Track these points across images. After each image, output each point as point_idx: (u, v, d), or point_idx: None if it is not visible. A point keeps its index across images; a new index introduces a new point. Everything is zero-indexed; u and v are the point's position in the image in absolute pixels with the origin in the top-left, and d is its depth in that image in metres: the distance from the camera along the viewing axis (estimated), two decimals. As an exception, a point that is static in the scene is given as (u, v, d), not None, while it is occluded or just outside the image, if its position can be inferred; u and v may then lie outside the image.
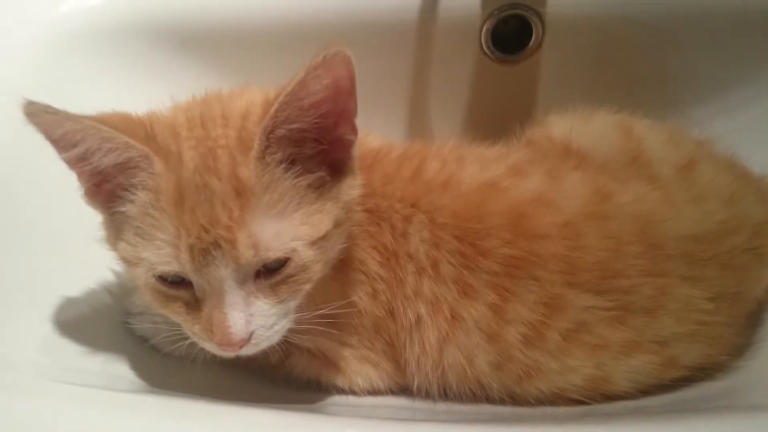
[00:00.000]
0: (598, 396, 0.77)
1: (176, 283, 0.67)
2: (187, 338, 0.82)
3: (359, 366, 0.81)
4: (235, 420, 0.65)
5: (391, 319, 0.79)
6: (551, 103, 1.03)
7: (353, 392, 0.82)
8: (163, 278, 0.67)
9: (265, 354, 0.82)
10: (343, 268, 0.77)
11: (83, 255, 0.86)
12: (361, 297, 0.78)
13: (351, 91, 0.67)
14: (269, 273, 0.67)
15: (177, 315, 0.70)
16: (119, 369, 0.78)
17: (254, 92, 0.71)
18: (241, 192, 0.64)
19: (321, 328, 0.78)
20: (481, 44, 1.12)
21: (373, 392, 0.83)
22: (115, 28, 1.06)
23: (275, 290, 0.68)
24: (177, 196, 0.64)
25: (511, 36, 1.11)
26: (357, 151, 0.72)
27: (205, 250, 0.63)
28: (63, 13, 1.02)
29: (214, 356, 0.83)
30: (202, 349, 0.82)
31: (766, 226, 0.82)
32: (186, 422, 0.63)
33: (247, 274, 0.66)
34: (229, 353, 0.69)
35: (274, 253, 0.65)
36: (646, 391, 0.78)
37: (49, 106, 0.62)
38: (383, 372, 0.82)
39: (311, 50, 0.62)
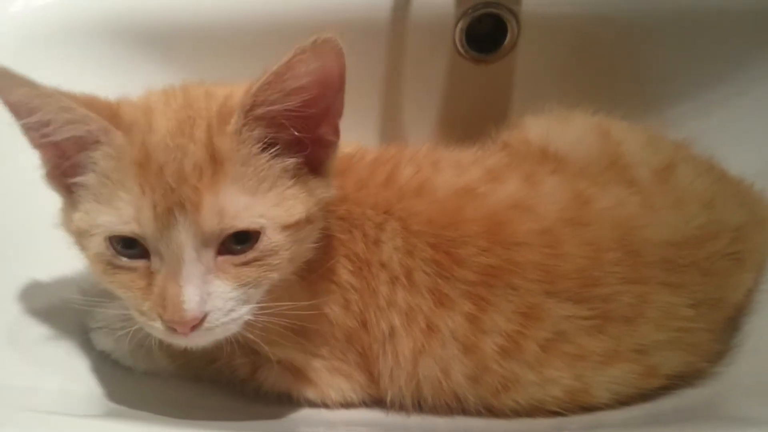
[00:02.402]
0: (576, 408, 0.75)
1: (131, 253, 0.64)
2: (150, 351, 0.79)
3: (331, 378, 0.79)
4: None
5: (364, 331, 0.76)
6: (527, 103, 1.01)
7: (325, 405, 0.79)
8: (117, 246, 0.64)
9: (233, 367, 0.79)
10: (313, 277, 0.75)
11: (42, 266, 0.83)
12: (332, 307, 0.76)
13: (339, 89, 0.66)
14: (234, 252, 0.64)
15: (127, 290, 0.65)
16: (79, 388, 0.75)
17: (239, 84, 0.69)
18: (215, 158, 0.62)
19: (290, 336, 0.76)
20: (455, 43, 1.09)
21: (346, 405, 0.80)
22: (69, 27, 1.03)
23: (238, 273, 0.64)
24: (143, 158, 0.62)
25: (485, 35, 1.10)
26: (336, 155, 0.71)
27: (168, 211, 0.61)
28: (13, 12, 0.98)
29: (180, 370, 0.80)
30: (167, 363, 0.80)
31: (745, 230, 0.81)
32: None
33: (208, 244, 0.62)
34: (179, 338, 0.64)
35: (241, 223, 0.62)
36: (624, 402, 0.76)
37: (8, 70, 0.61)
38: (356, 384, 0.79)
39: (278, 51, 0.61)
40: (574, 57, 1.12)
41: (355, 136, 0.88)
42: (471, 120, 1.09)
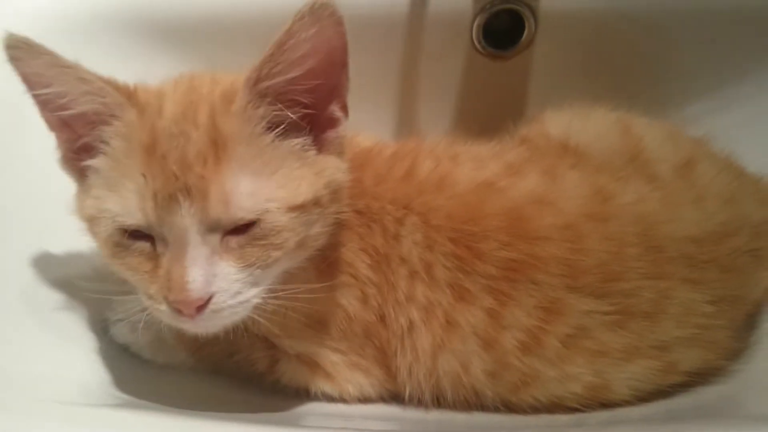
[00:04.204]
0: (595, 404, 0.75)
1: (138, 236, 0.64)
2: (169, 344, 0.80)
3: (349, 373, 0.78)
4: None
5: (382, 325, 0.76)
6: (543, 99, 1.01)
7: (343, 400, 0.79)
8: (124, 230, 0.64)
9: (252, 361, 0.79)
10: (330, 270, 0.75)
11: (60, 257, 0.84)
12: (350, 301, 0.76)
13: (343, 63, 0.66)
14: (238, 232, 0.63)
15: (134, 272, 0.65)
16: (97, 379, 0.75)
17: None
18: (217, 143, 0.62)
19: (309, 330, 0.76)
20: (472, 39, 1.09)
21: (364, 400, 0.80)
22: (85, 19, 1.03)
23: (242, 253, 0.64)
24: (149, 143, 0.62)
25: (502, 31, 1.09)
26: (346, 131, 0.70)
27: (171, 197, 0.61)
28: (30, 5, 1.00)
29: (198, 363, 0.80)
30: (185, 356, 0.80)
31: (765, 227, 0.80)
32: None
33: (213, 230, 0.62)
34: (185, 321, 0.63)
35: (246, 214, 0.62)
36: (643, 398, 0.75)
37: (29, 39, 0.62)
38: (374, 379, 0.79)
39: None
40: (591, 54, 1.11)
41: (371, 131, 0.88)
42: (487, 116, 1.08)
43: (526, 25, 1.07)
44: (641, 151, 0.83)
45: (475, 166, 0.79)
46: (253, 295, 0.65)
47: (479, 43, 1.09)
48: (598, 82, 1.11)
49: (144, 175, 0.62)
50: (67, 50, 0.63)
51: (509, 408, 0.76)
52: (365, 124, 0.82)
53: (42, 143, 0.70)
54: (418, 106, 1.15)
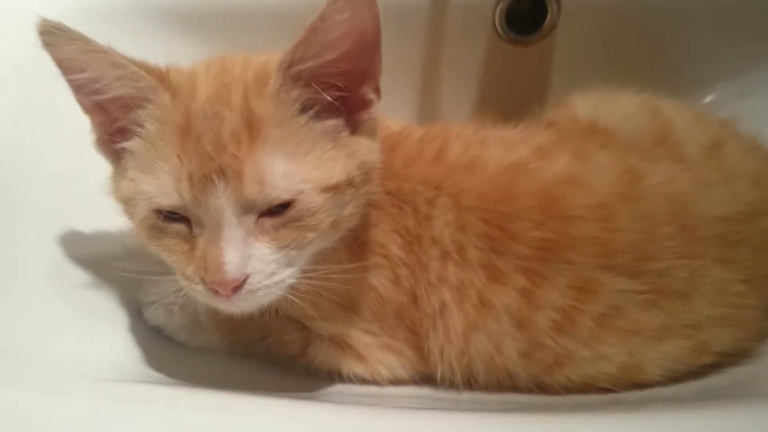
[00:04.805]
0: (628, 384, 0.75)
1: (175, 218, 0.65)
2: (202, 326, 0.80)
3: (381, 354, 0.79)
4: (253, 412, 0.62)
5: (414, 306, 0.76)
6: (565, 85, 1.00)
7: (375, 382, 0.79)
8: (161, 212, 0.64)
9: (284, 343, 0.80)
10: (362, 251, 0.75)
11: (90, 237, 0.85)
12: (382, 282, 0.76)
13: (376, 45, 0.65)
14: (273, 214, 0.64)
15: (171, 253, 0.66)
16: (130, 359, 0.75)
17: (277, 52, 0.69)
18: (252, 124, 0.62)
19: (341, 311, 0.77)
20: (494, 25, 1.09)
21: (396, 382, 0.80)
22: (108, 7, 1.04)
23: (277, 235, 0.64)
24: (184, 125, 0.63)
25: (525, 16, 1.09)
26: (378, 112, 0.70)
27: (206, 178, 0.61)
28: None
29: (231, 346, 0.81)
30: (218, 339, 0.80)
31: (792, 208, 0.80)
32: (206, 414, 0.60)
33: (248, 210, 0.62)
34: (221, 301, 0.64)
35: (281, 193, 0.63)
36: (675, 379, 0.75)
37: (63, 24, 0.62)
38: (406, 360, 0.79)
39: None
40: (614, 38, 1.11)
41: (394, 116, 0.88)
42: (509, 102, 1.08)
43: (549, 10, 1.07)
44: (670, 132, 0.83)
45: (504, 149, 0.79)
46: (288, 275, 0.66)
47: (502, 28, 1.09)
48: (620, 67, 1.11)
49: (179, 157, 0.62)
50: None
51: (542, 389, 0.76)
52: (388, 110, 0.81)
53: (74, 124, 0.70)
54: (440, 92, 1.15)
